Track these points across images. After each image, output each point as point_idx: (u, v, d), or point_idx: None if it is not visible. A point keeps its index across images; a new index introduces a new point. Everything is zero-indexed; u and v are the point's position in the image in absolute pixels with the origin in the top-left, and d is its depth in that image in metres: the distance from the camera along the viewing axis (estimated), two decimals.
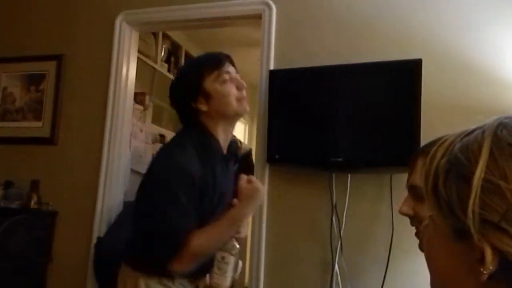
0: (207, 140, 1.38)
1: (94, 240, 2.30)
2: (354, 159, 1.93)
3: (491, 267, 0.43)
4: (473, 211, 0.44)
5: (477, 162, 0.45)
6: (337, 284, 1.93)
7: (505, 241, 0.42)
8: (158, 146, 3.30)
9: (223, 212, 1.37)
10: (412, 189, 0.96)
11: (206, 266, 1.37)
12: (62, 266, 2.36)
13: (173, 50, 3.71)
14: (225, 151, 1.44)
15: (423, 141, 1.76)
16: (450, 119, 1.85)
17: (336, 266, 1.94)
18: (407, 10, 2.04)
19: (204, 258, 1.33)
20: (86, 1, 2.62)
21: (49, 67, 2.58)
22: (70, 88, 2.55)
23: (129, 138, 2.66)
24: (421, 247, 0.90)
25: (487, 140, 0.46)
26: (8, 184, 2.46)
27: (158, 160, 1.42)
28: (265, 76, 2.15)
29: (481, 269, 0.43)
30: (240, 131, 4.74)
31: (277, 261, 2.06)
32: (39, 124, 2.56)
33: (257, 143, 2.17)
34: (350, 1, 2.13)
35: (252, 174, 2.16)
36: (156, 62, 3.35)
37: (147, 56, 3.19)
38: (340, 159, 1.91)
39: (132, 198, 2.63)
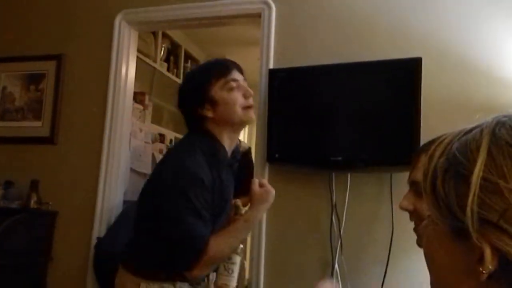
0: (213, 146, 1.38)
1: (94, 240, 2.30)
2: (354, 158, 1.92)
3: (490, 267, 0.43)
4: (472, 210, 0.44)
5: (475, 161, 0.45)
6: (337, 283, 1.93)
7: (504, 241, 0.42)
8: (158, 145, 3.30)
9: (227, 215, 1.38)
10: (413, 185, 0.96)
11: None
12: (62, 266, 2.36)
13: (173, 50, 3.71)
14: (229, 156, 1.45)
15: (423, 140, 1.76)
16: (450, 117, 1.85)
17: (336, 266, 1.94)
18: (407, 9, 2.04)
19: (220, 262, 1.34)
20: (85, 1, 2.61)
21: (49, 67, 2.58)
22: (69, 87, 2.55)
23: (129, 138, 2.66)
24: (418, 243, 0.91)
25: (485, 139, 0.46)
26: (8, 184, 2.46)
27: (167, 164, 1.42)
28: (264, 75, 2.15)
29: (481, 269, 0.43)
30: None
31: (277, 260, 2.06)
32: (39, 123, 2.56)
33: (256, 142, 2.17)
34: (350, 0, 2.13)
35: (252, 171, 2.17)
36: (155, 62, 3.35)
37: (146, 55, 3.19)
38: (340, 158, 1.91)
39: (131, 197, 2.65)
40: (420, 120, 1.80)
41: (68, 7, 2.63)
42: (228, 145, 1.42)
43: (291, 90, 2.07)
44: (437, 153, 0.50)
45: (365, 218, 1.97)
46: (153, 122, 3.29)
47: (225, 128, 1.40)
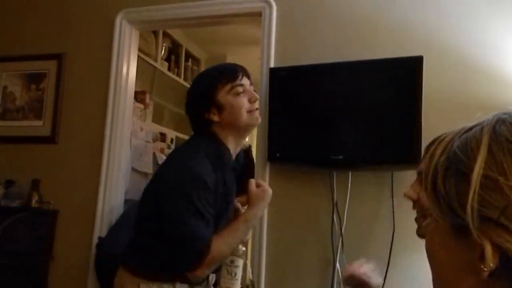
0: (219, 149, 1.40)
1: (95, 239, 2.30)
2: (355, 157, 1.92)
3: (491, 264, 0.43)
4: (472, 208, 0.44)
5: (475, 159, 0.45)
6: (338, 282, 1.93)
7: (505, 238, 0.42)
8: (159, 144, 3.30)
9: (229, 217, 1.39)
10: (420, 174, 0.97)
11: None
12: (63, 265, 2.36)
13: (174, 49, 3.71)
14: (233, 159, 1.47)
15: (424, 139, 1.76)
16: (450, 116, 1.85)
17: (337, 264, 1.94)
18: (408, 8, 2.04)
19: (221, 262, 1.35)
20: (86, 0, 2.61)
21: (50, 66, 2.58)
22: (70, 87, 2.55)
23: (130, 137, 2.66)
24: (418, 233, 0.91)
25: (486, 136, 0.46)
26: (9, 183, 2.46)
27: (170, 165, 1.43)
28: (265, 74, 2.15)
29: (482, 266, 0.43)
30: None
31: (278, 259, 2.06)
32: (40, 123, 2.56)
33: (257, 141, 2.17)
34: None
35: (253, 170, 2.17)
36: (156, 61, 3.35)
37: (147, 54, 3.18)
38: (341, 157, 1.91)
39: (132, 196, 2.65)
40: (421, 119, 1.80)
41: (69, 6, 2.63)
42: (233, 148, 1.44)
43: (292, 89, 2.06)
44: (438, 152, 0.50)
45: (366, 217, 1.97)
46: (154, 121, 3.29)
47: (230, 132, 1.41)
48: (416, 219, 0.94)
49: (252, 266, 2.08)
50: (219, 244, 1.30)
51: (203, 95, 1.41)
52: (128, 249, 1.44)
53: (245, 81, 1.43)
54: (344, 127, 1.96)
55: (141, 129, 3.08)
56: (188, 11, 2.39)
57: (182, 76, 3.77)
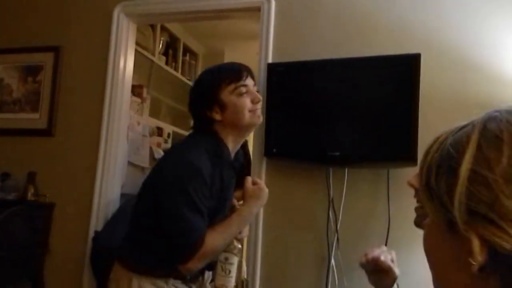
0: (218, 147, 1.41)
1: (91, 232, 2.30)
2: (351, 153, 1.93)
3: (479, 258, 0.43)
4: (460, 202, 0.45)
5: (464, 154, 0.46)
6: (333, 278, 1.94)
7: (492, 232, 0.43)
8: (156, 139, 3.30)
9: (225, 214, 1.40)
10: None
11: (202, 268, 1.40)
12: (59, 258, 2.36)
13: (171, 43, 3.69)
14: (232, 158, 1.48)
15: (421, 137, 1.77)
16: (448, 114, 1.85)
17: (333, 261, 1.95)
18: (406, 5, 2.03)
19: (214, 257, 1.36)
20: None
21: (46, 59, 2.57)
22: (67, 80, 2.54)
23: (127, 131, 2.66)
24: (417, 222, 0.92)
25: (475, 133, 0.47)
26: (4, 176, 2.45)
27: (169, 160, 1.45)
28: (263, 69, 2.15)
29: (471, 261, 0.44)
30: None
31: (273, 255, 2.07)
32: (36, 115, 2.55)
33: (254, 136, 2.17)
34: None
35: (249, 164, 2.17)
36: (154, 55, 3.33)
37: (145, 48, 3.17)
38: (337, 154, 1.91)
39: (129, 191, 2.65)
40: (418, 117, 1.80)
41: None
42: (232, 147, 1.45)
43: (290, 84, 2.06)
44: (433, 149, 0.51)
45: (361, 214, 1.98)
46: (151, 115, 3.29)
47: (232, 131, 1.43)
48: (416, 209, 0.95)
49: (247, 262, 2.09)
50: (213, 238, 1.30)
51: (207, 93, 1.42)
52: (123, 244, 1.45)
53: (249, 81, 1.43)
54: (341, 124, 1.97)
55: (138, 123, 3.07)
56: (187, 5, 2.38)
57: (180, 71, 3.76)
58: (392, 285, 1.01)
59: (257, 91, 1.46)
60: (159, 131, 3.37)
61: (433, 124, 1.77)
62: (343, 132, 1.96)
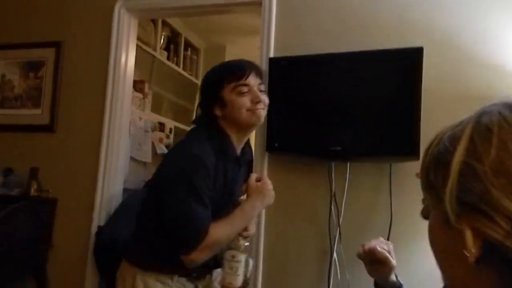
0: (223, 142, 1.42)
1: (94, 227, 2.31)
2: (353, 148, 1.92)
3: (473, 250, 0.44)
4: (451, 194, 0.45)
5: (458, 147, 0.47)
6: (336, 272, 1.95)
7: (483, 223, 0.43)
8: (158, 134, 3.30)
9: (229, 210, 1.40)
10: None
11: (207, 265, 1.41)
12: (62, 253, 2.37)
13: (173, 38, 3.69)
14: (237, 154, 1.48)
15: (423, 131, 1.76)
16: (450, 108, 1.84)
17: (335, 255, 1.95)
18: None
19: (217, 250, 1.36)
20: None
21: (48, 54, 2.57)
22: (69, 75, 2.54)
23: (128, 126, 2.66)
24: (423, 214, 0.92)
25: (469, 126, 0.48)
26: (7, 172, 2.46)
27: (175, 152, 1.48)
28: (264, 63, 2.14)
29: (465, 253, 0.44)
30: None
31: (275, 249, 2.07)
32: (38, 111, 2.55)
33: (256, 131, 2.16)
34: None
35: (251, 159, 2.18)
36: (155, 50, 3.33)
37: (146, 43, 3.17)
38: (339, 148, 1.91)
39: (131, 186, 2.66)
40: (420, 111, 1.80)
41: None
42: (236, 143, 1.45)
43: (291, 79, 2.05)
44: (434, 144, 0.52)
45: (363, 208, 1.98)
46: (152, 110, 3.29)
47: (233, 128, 1.43)
48: (423, 200, 0.95)
49: (249, 256, 2.09)
50: (216, 230, 1.31)
51: (210, 90, 1.44)
52: (130, 241, 1.46)
53: (253, 80, 1.42)
54: (343, 118, 1.96)
55: (140, 119, 3.07)
56: (188, 0, 2.37)
57: (181, 66, 3.76)
58: (390, 275, 1.01)
59: (262, 91, 1.45)
60: (161, 126, 3.38)
61: (435, 118, 1.77)
62: (345, 126, 1.95)
